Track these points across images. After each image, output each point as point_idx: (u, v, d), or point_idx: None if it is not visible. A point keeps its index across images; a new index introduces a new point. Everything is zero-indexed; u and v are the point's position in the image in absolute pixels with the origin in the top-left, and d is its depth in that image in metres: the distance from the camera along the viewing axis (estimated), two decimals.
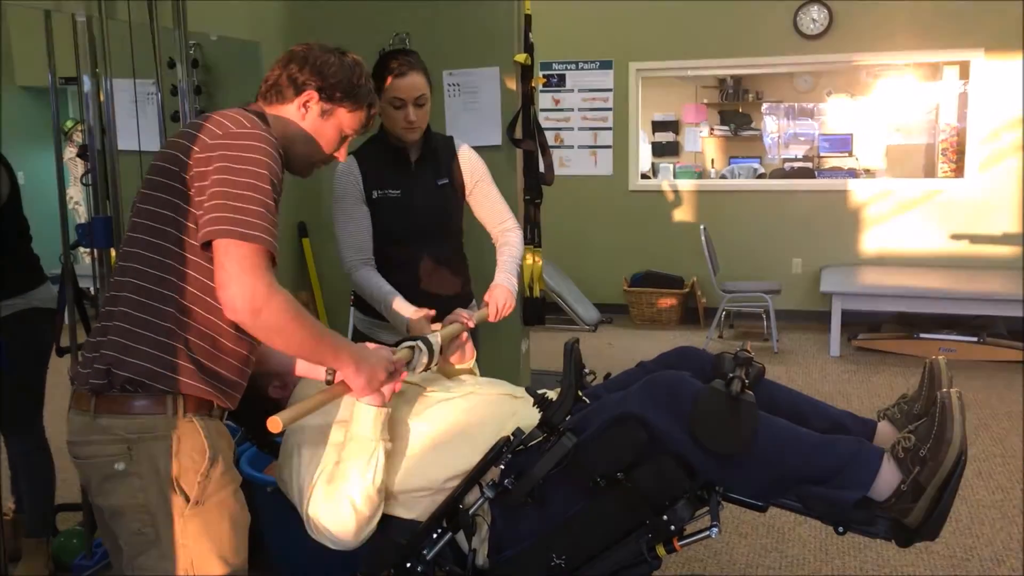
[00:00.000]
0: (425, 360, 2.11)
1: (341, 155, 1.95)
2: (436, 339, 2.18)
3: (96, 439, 1.70)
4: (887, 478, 1.72)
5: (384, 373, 1.86)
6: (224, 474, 1.77)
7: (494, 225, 2.90)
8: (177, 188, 1.68)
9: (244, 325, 1.64)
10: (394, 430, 2.01)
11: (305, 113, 1.85)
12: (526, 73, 3.62)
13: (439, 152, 2.83)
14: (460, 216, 2.90)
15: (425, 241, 2.80)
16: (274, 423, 1.69)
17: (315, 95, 1.84)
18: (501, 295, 2.69)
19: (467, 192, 2.87)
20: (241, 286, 1.59)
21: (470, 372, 2.40)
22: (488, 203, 2.90)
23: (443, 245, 2.85)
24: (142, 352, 1.68)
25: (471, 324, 2.39)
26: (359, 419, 1.90)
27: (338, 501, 1.87)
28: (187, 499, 1.69)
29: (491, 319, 2.67)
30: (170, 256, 1.69)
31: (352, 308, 2.94)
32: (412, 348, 2.09)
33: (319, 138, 1.88)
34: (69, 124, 3.37)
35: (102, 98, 2.81)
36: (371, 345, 2.00)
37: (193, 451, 1.71)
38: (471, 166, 2.87)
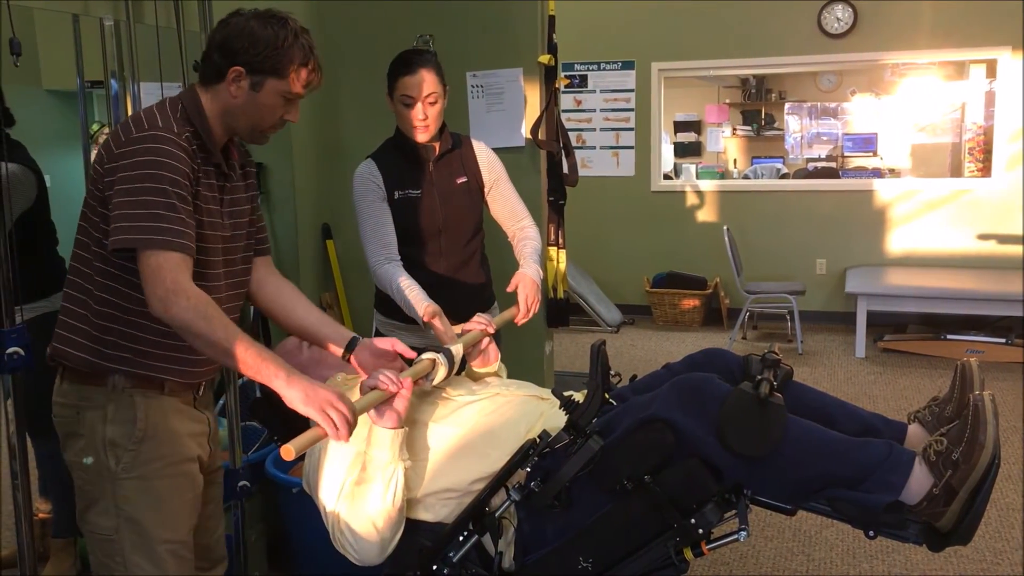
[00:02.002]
0: (444, 373, 2.10)
1: (293, 116, 1.93)
2: (457, 349, 2.18)
3: (59, 401, 1.91)
4: (919, 481, 1.70)
5: (334, 397, 1.72)
6: (161, 448, 1.87)
7: (512, 223, 2.89)
8: (96, 195, 1.80)
9: (165, 323, 1.73)
10: (419, 433, 2.01)
11: (238, 90, 1.85)
12: (550, 74, 3.61)
13: (456, 150, 2.81)
14: (480, 214, 2.89)
15: (446, 240, 2.79)
16: (287, 451, 1.66)
17: (241, 71, 1.83)
18: (529, 288, 2.65)
19: (486, 190, 2.86)
20: (151, 288, 1.69)
21: (495, 375, 2.39)
22: (506, 202, 2.88)
23: (464, 244, 2.84)
24: (82, 345, 1.84)
25: (491, 330, 2.36)
26: (376, 441, 1.90)
27: (359, 522, 1.88)
28: (116, 464, 1.83)
29: (519, 321, 2.63)
30: (98, 259, 1.82)
31: (375, 310, 2.94)
32: (433, 360, 2.09)
33: (259, 109, 1.87)
34: (95, 127, 3.39)
35: (129, 101, 2.82)
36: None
37: (125, 421, 1.84)
38: (489, 163, 2.86)
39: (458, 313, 2.72)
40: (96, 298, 1.83)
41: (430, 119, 2.66)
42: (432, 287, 2.69)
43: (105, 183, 1.77)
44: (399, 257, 2.68)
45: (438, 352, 2.12)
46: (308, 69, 1.87)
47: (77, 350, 1.85)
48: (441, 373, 2.10)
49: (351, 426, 1.72)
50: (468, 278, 2.86)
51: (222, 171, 1.92)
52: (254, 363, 1.72)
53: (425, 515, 1.97)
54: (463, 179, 2.81)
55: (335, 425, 1.69)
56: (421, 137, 2.69)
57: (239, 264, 2.01)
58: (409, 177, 2.75)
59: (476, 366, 2.36)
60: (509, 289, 2.68)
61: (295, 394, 1.71)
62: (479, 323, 2.35)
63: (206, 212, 1.86)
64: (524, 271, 2.71)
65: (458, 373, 2.24)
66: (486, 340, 2.34)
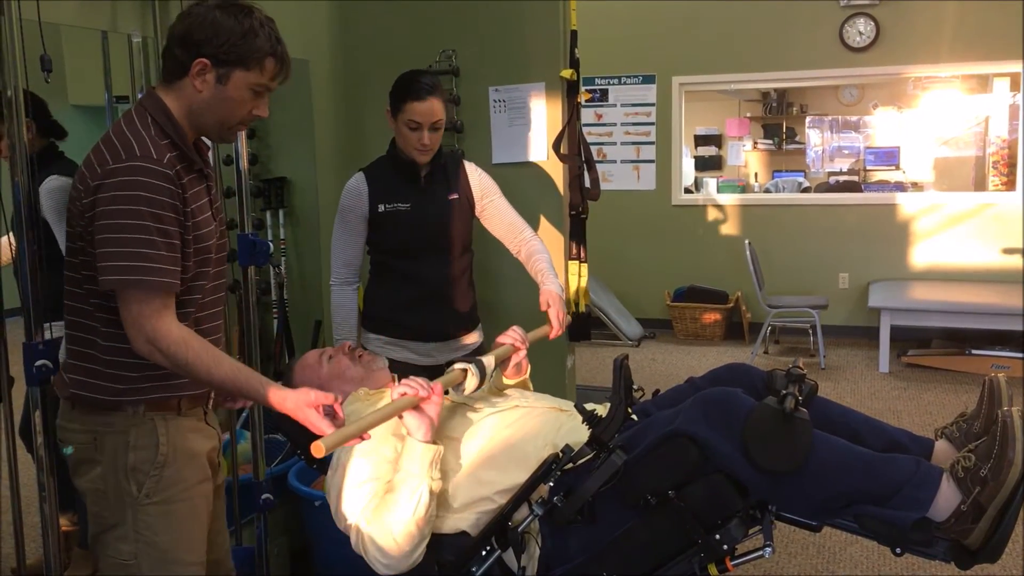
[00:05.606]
0: (475, 383, 2.10)
1: (262, 111, 1.86)
2: (489, 360, 2.18)
3: (71, 427, 1.85)
4: (946, 498, 1.68)
5: (318, 394, 1.73)
6: (182, 471, 1.85)
7: (512, 237, 2.88)
8: (80, 232, 1.75)
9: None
10: (448, 448, 2.01)
11: (203, 84, 1.77)
12: (572, 89, 3.61)
13: (448, 168, 2.84)
14: (470, 233, 2.90)
15: (434, 255, 2.81)
16: (317, 448, 1.66)
17: (206, 63, 1.74)
18: (558, 304, 2.61)
19: (477, 209, 2.87)
20: (132, 333, 1.69)
21: (524, 387, 2.38)
22: (503, 217, 2.88)
23: (453, 261, 2.84)
24: (95, 385, 1.80)
25: (523, 348, 2.31)
26: (408, 453, 1.91)
27: (381, 529, 1.87)
28: (139, 490, 1.80)
29: (552, 336, 2.59)
30: (93, 296, 1.77)
31: (361, 327, 2.90)
32: (464, 370, 2.09)
33: (226, 102, 1.79)
34: None
35: None
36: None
37: (147, 447, 1.81)
38: (479, 183, 2.88)
39: (443, 330, 2.73)
40: (102, 334, 1.79)
41: (432, 144, 2.71)
42: (418, 301, 2.70)
43: (87, 219, 1.71)
44: (357, 279, 2.75)
45: (469, 363, 2.12)
46: (275, 59, 1.80)
47: (91, 391, 1.81)
48: (472, 383, 2.09)
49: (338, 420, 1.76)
50: (455, 295, 2.85)
51: (204, 173, 1.87)
52: (235, 386, 1.74)
53: (445, 527, 1.97)
54: (455, 196, 2.83)
55: (329, 421, 1.72)
56: (422, 158, 2.74)
57: (224, 263, 1.98)
58: (399, 191, 2.77)
59: (508, 377, 2.34)
60: (542, 308, 2.64)
61: (280, 400, 1.73)
62: (512, 337, 2.30)
63: (204, 223, 1.82)
64: (549, 288, 2.69)
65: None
66: (522, 353, 2.32)
